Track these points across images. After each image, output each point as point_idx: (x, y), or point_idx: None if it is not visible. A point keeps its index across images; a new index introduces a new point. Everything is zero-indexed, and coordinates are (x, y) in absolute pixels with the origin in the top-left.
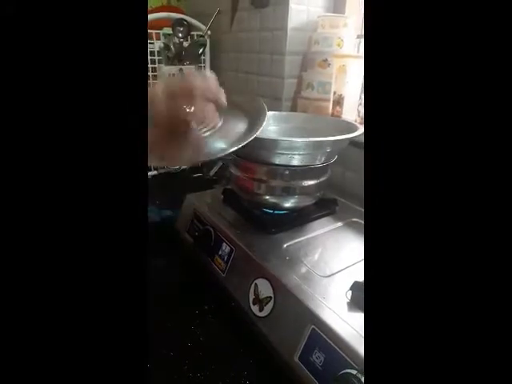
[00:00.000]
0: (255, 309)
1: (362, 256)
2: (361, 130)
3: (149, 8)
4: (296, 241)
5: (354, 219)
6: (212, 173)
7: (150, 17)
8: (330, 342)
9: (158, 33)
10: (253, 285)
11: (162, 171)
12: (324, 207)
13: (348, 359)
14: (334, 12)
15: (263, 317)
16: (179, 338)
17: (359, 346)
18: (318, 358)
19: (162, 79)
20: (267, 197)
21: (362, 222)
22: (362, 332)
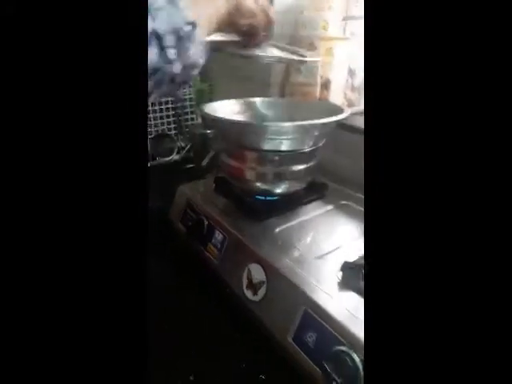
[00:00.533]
0: (249, 293)
1: (351, 237)
2: (347, 112)
3: None
4: (287, 225)
5: (344, 202)
6: (204, 163)
7: None
8: (322, 322)
9: None
10: (246, 270)
11: (154, 163)
12: (314, 191)
13: (339, 337)
14: None
15: (257, 301)
16: (175, 323)
17: (350, 324)
18: (310, 337)
19: None
20: (258, 183)
21: (352, 205)
22: (352, 310)
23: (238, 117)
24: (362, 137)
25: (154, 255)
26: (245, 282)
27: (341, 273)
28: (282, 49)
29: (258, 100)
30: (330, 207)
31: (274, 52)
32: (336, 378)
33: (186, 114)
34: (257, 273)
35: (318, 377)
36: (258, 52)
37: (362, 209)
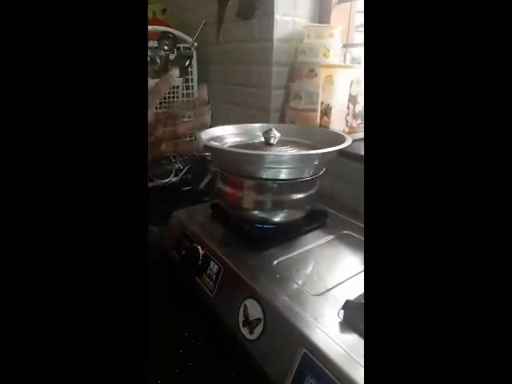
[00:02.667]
0: (245, 331)
1: (354, 271)
2: (349, 141)
3: None
4: (286, 257)
5: (346, 232)
6: (202, 185)
7: None
8: (323, 367)
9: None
10: (242, 306)
11: (151, 185)
12: (314, 220)
13: (337, 381)
14: (319, 22)
15: (253, 340)
16: (167, 362)
17: (352, 370)
18: (309, 383)
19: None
20: (256, 211)
21: (354, 235)
22: (353, 354)
23: (235, 141)
24: (363, 164)
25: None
26: (241, 318)
27: (342, 312)
28: None
29: (256, 125)
30: (330, 237)
31: None
32: None
33: (185, 136)
34: (253, 309)
35: None
36: None
37: (363, 239)
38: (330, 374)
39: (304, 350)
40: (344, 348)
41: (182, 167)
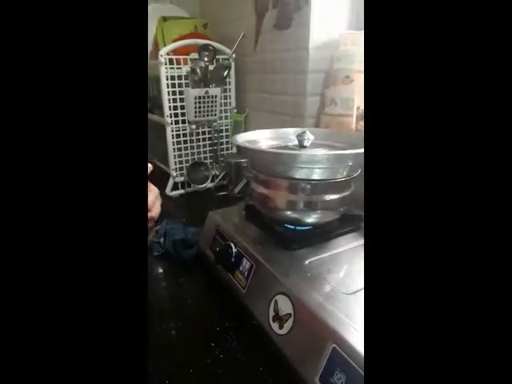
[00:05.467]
0: (275, 326)
1: None
2: None
3: (177, 35)
4: (318, 257)
5: None
6: (237, 190)
7: (179, 43)
8: (352, 362)
9: (186, 58)
10: (273, 301)
11: (188, 190)
12: (348, 223)
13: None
14: (356, 29)
15: (283, 334)
16: (198, 355)
17: None
18: (339, 379)
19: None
20: (288, 212)
21: None
22: None
23: (269, 145)
24: None
25: (184, 279)
26: (271, 313)
27: None
28: None
29: (290, 130)
30: (363, 241)
31: None
32: None
33: (222, 143)
34: (284, 305)
35: None
36: None
37: None
38: (359, 368)
39: (333, 345)
40: None
41: (218, 173)
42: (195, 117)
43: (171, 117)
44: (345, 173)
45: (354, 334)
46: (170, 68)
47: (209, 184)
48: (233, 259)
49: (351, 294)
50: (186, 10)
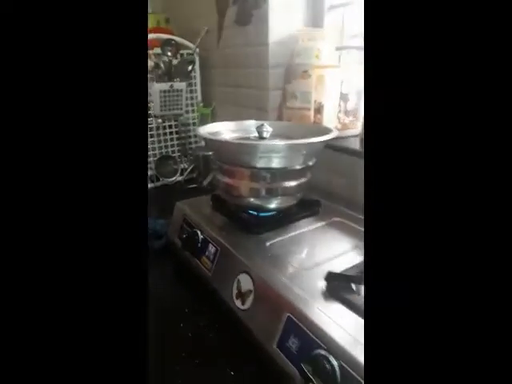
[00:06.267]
0: (238, 302)
1: (342, 250)
2: (334, 133)
3: None
4: (279, 239)
5: (337, 219)
6: (206, 182)
7: None
8: (304, 328)
9: (149, 53)
10: (236, 280)
11: (157, 184)
12: (307, 208)
13: (318, 341)
14: (312, 26)
15: (245, 309)
16: (169, 334)
17: (330, 330)
18: (293, 343)
19: None
20: (251, 199)
21: (344, 221)
22: (333, 318)
23: (232, 136)
24: (356, 158)
25: (154, 268)
26: (234, 291)
27: (325, 282)
28: None
29: (251, 122)
30: (322, 223)
31: None
32: (313, 379)
33: (190, 137)
34: (245, 283)
35: (298, 380)
36: None
37: (354, 225)
38: (310, 332)
39: (288, 314)
40: (324, 312)
41: (187, 166)
42: (161, 111)
43: None
44: (301, 161)
45: (307, 304)
46: None
47: (178, 177)
48: (199, 245)
49: (307, 269)
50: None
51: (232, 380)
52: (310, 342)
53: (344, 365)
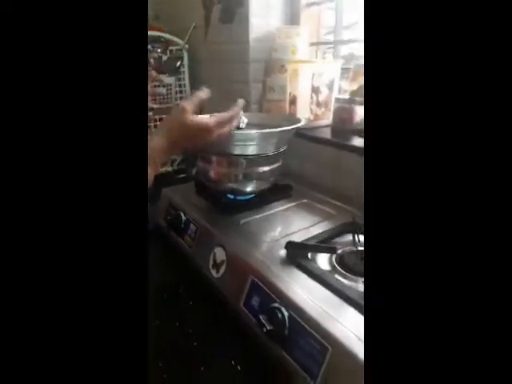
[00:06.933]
0: (214, 272)
1: (306, 225)
2: (302, 122)
3: None
4: (252, 218)
5: (305, 200)
6: (194, 172)
7: None
8: (264, 287)
9: None
10: (212, 253)
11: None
12: (280, 192)
13: (273, 296)
14: (291, 23)
15: (219, 277)
16: (153, 303)
17: (283, 288)
18: (255, 301)
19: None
20: (229, 184)
21: (312, 202)
22: (287, 278)
23: None
24: (325, 146)
25: None
26: (211, 262)
27: (285, 251)
28: None
29: None
30: (292, 204)
31: None
32: (267, 325)
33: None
34: (220, 255)
35: (257, 329)
36: None
37: (319, 205)
38: (269, 291)
39: (252, 277)
40: (281, 274)
41: (176, 157)
42: (152, 109)
43: None
44: (272, 148)
45: (268, 269)
46: None
47: (168, 168)
48: (182, 225)
49: (272, 242)
50: None
51: (206, 335)
52: (267, 298)
53: (293, 314)
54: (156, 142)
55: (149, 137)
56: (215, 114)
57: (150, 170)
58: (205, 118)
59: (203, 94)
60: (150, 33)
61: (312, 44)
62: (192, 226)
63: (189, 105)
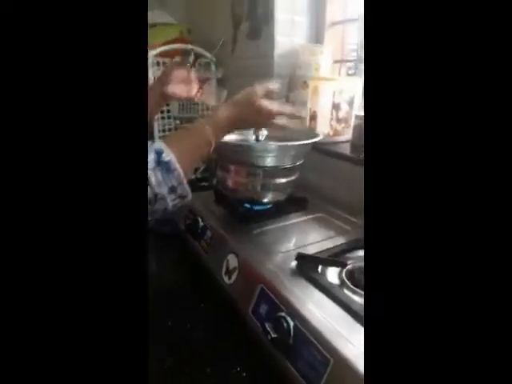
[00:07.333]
0: (226, 278)
1: (318, 239)
2: (319, 137)
3: (164, 40)
4: (266, 228)
5: (321, 214)
6: (214, 181)
7: (165, 48)
8: (272, 295)
9: (171, 61)
10: (225, 260)
11: None
12: (296, 204)
13: (280, 305)
14: (315, 41)
15: (231, 283)
16: (166, 304)
17: (290, 297)
18: (263, 308)
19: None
20: (246, 193)
21: (327, 217)
22: (295, 288)
23: (232, 139)
24: (343, 162)
25: (161, 251)
26: (224, 268)
27: (295, 262)
28: None
29: None
30: (307, 217)
31: None
32: (272, 333)
33: None
34: (232, 261)
35: (262, 335)
36: None
37: (335, 220)
38: (276, 300)
39: (261, 286)
40: (290, 285)
41: (199, 166)
42: (179, 113)
43: (158, 113)
44: (290, 161)
45: (277, 278)
46: (157, 70)
47: (191, 176)
48: (199, 230)
49: (284, 252)
50: (172, 16)
51: (215, 338)
52: (274, 306)
53: (298, 324)
54: (222, 114)
55: (216, 109)
56: (278, 103)
57: (213, 143)
58: (270, 104)
59: (273, 85)
60: (181, 46)
61: (336, 62)
62: (208, 232)
63: (260, 89)
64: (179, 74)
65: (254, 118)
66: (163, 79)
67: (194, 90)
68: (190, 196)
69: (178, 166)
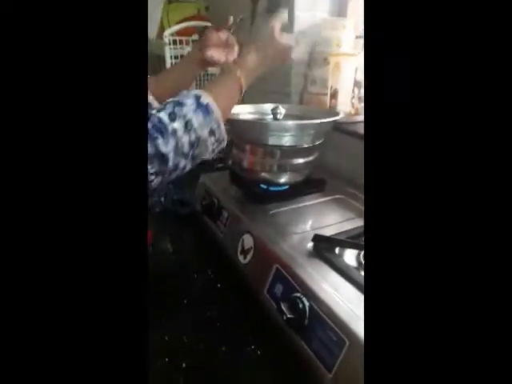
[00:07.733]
0: (241, 258)
1: (337, 220)
2: (339, 115)
3: (181, 18)
4: (282, 209)
5: (339, 196)
6: (229, 162)
7: (180, 26)
8: (287, 276)
9: (188, 39)
10: (241, 240)
11: None
12: (313, 185)
13: (296, 286)
14: (338, 15)
15: (246, 263)
16: (183, 283)
17: (306, 278)
18: (278, 289)
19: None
20: (262, 174)
21: (346, 198)
22: (311, 269)
23: (248, 118)
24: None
25: (180, 232)
26: (239, 248)
27: (312, 243)
28: None
29: (267, 105)
30: (325, 199)
31: None
32: (287, 313)
33: None
34: (248, 242)
35: (277, 315)
36: None
37: (354, 202)
38: (292, 280)
39: (276, 266)
40: (306, 266)
41: None
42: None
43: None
44: (309, 140)
45: (293, 259)
46: (174, 48)
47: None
48: (215, 211)
49: (300, 233)
50: None
51: (230, 317)
52: (290, 287)
53: (314, 305)
54: (250, 57)
55: (242, 54)
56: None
57: (244, 86)
58: (289, 39)
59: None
60: (198, 23)
61: (358, 37)
62: (224, 212)
63: (278, 23)
64: (218, 36)
65: (276, 57)
66: (201, 43)
67: (233, 54)
68: (225, 141)
69: (216, 107)
